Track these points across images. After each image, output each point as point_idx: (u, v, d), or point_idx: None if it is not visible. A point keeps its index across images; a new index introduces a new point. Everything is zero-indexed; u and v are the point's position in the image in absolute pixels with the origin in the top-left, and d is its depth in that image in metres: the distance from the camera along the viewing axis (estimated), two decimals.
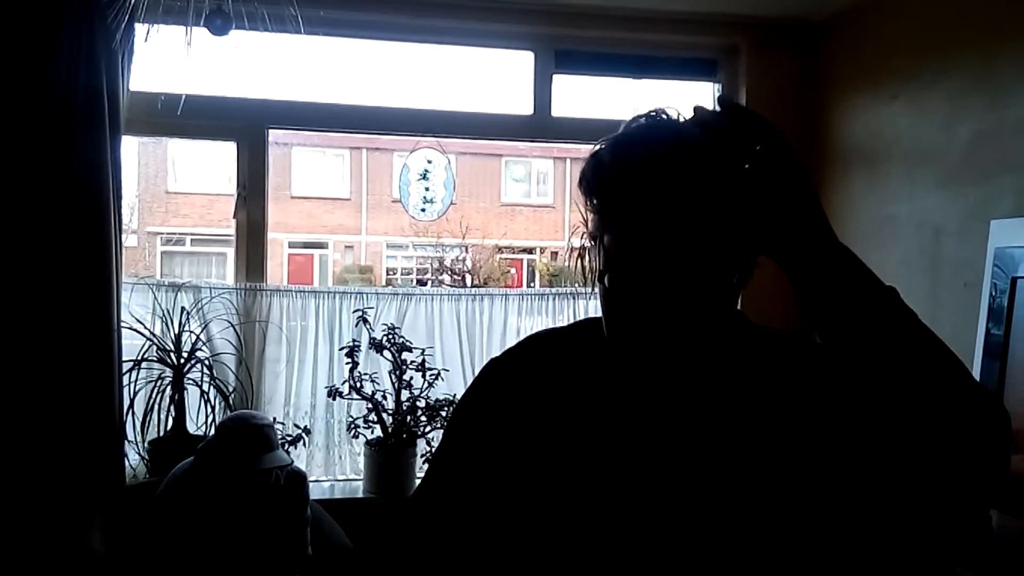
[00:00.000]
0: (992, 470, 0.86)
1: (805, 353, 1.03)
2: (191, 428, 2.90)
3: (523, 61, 3.33)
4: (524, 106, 3.32)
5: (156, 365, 2.90)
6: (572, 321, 1.17)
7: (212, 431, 2.90)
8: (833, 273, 0.89)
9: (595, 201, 0.96)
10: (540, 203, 16.26)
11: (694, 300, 0.94)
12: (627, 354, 1.00)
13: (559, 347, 1.10)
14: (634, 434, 0.99)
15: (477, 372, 1.14)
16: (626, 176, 0.92)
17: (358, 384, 2.98)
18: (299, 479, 2.45)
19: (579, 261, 1.03)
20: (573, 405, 1.03)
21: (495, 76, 3.83)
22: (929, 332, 0.89)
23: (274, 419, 2.76)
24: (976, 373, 2.35)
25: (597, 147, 0.96)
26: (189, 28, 2.41)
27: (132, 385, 2.84)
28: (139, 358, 2.88)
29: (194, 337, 2.95)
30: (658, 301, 0.94)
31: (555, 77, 3.32)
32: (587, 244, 1.00)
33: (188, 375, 2.91)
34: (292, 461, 2.47)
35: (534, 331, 1.18)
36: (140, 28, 2.66)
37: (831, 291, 0.89)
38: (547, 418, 1.03)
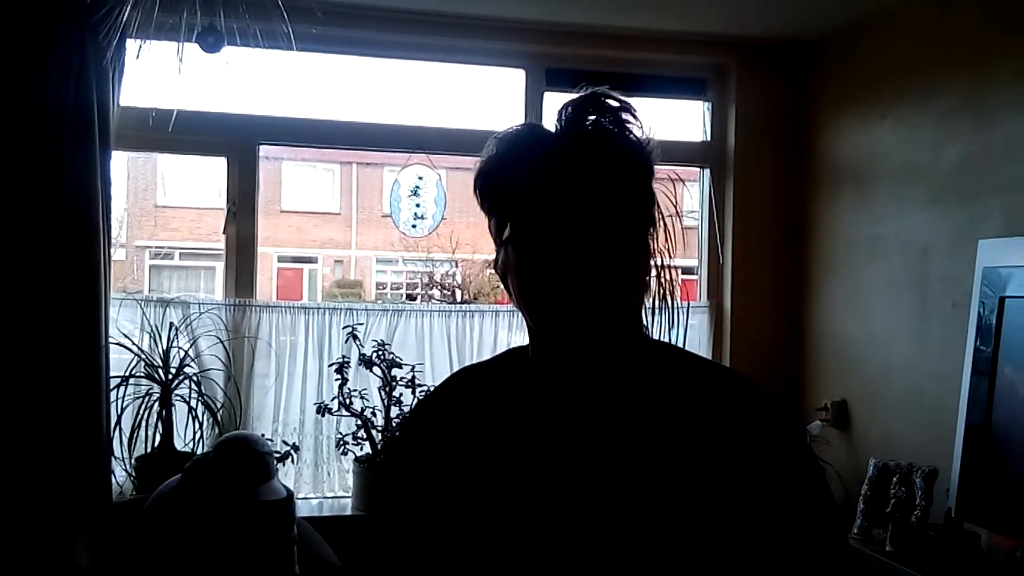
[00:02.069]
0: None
1: (719, 389, 1.02)
2: (179, 445, 2.88)
3: (514, 79, 3.34)
4: (515, 123, 3.32)
5: (144, 381, 2.89)
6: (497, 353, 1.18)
7: (204, 448, 2.88)
8: None
9: (490, 196, 1.07)
10: None
11: (601, 278, 0.95)
12: (546, 346, 1.02)
13: (485, 380, 1.11)
14: (557, 461, 0.99)
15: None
16: (514, 163, 1.06)
17: (347, 400, 2.96)
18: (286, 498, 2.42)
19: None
20: (502, 436, 1.02)
21: (486, 93, 3.83)
22: None
23: (262, 434, 2.74)
24: (965, 391, 2.36)
25: (484, 154, 1.07)
26: (181, 44, 2.41)
27: (119, 401, 2.82)
28: (127, 374, 2.86)
29: (182, 353, 2.94)
30: (570, 286, 0.95)
31: (546, 95, 3.34)
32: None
33: (176, 391, 2.89)
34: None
35: (461, 367, 1.20)
36: (132, 44, 2.65)
37: None
38: (479, 452, 1.03)
